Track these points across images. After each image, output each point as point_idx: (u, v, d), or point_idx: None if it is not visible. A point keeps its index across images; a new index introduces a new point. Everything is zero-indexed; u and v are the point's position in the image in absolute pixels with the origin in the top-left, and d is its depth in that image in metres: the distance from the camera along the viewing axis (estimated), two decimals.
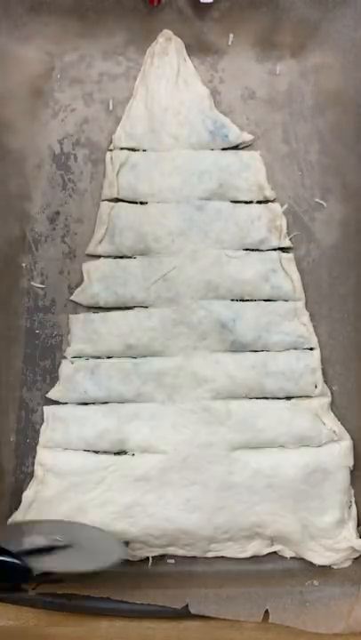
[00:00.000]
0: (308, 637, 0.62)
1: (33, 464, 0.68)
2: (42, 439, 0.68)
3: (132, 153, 0.72)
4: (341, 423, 0.69)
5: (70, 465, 0.66)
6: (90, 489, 0.66)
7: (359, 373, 0.71)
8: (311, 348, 0.70)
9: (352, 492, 0.67)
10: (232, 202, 0.71)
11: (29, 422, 0.70)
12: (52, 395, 0.69)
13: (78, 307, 0.71)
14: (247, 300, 0.70)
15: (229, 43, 0.74)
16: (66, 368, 0.69)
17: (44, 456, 0.67)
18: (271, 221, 0.71)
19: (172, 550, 0.67)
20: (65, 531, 0.61)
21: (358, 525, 0.67)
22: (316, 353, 0.70)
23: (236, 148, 0.73)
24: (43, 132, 0.73)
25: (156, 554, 0.67)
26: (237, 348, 0.69)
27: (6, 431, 0.70)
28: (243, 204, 0.71)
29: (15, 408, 0.70)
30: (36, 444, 0.69)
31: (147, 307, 0.69)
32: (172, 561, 0.68)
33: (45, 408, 0.69)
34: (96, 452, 0.67)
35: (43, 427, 0.68)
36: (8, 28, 0.71)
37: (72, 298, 0.71)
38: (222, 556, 0.67)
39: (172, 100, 0.72)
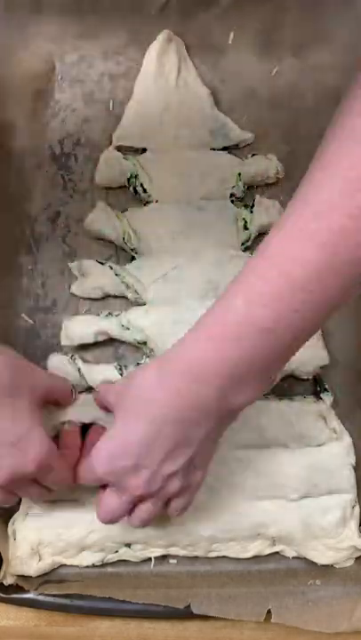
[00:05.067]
0: (308, 637, 0.62)
1: None
2: None
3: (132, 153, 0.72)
4: (342, 422, 0.68)
5: None
6: (91, 489, 0.66)
7: None
8: None
9: (355, 490, 0.67)
10: (233, 201, 0.71)
11: None
12: None
13: (79, 307, 0.71)
14: None
15: (230, 42, 0.74)
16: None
17: None
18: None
19: (174, 550, 0.67)
20: None
21: (360, 525, 0.67)
22: None
23: (236, 147, 0.73)
24: (43, 132, 0.73)
25: (158, 554, 0.67)
26: None
27: None
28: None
29: None
30: None
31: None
32: (175, 561, 0.67)
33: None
34: None
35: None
36: (8, 28, 0.71)
37: (72, 291, 0.71)
38: (224, 556, 0.67)
39: (173, 99, 0.72)
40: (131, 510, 0.58)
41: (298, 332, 0.48)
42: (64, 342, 0.68)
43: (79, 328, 0.68)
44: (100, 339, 0.68)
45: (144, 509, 0.57)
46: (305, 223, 0.46)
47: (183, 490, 0.57)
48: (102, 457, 0.55)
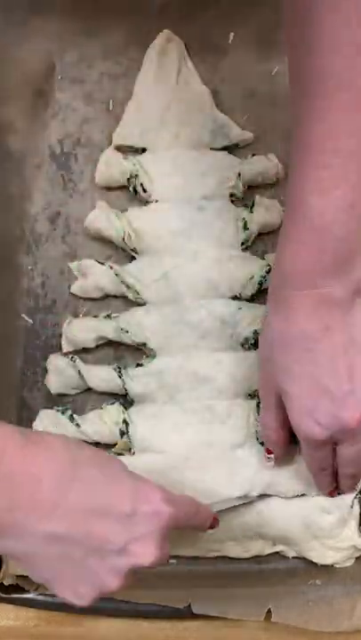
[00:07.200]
0: (308, 636, 0.62)
1: None
2: None
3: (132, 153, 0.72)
4: None
5: None
6: None
7: None
8: None
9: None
10: (233, 201, 0.71)
11: (30, 423, 0.69)
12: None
13: (79, 307, 0.71)
14: (248, 300, 0.69)
15: (230, 42, 0.74)
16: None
17: None
18: None
19: (173, 550, 0.67)
20: None
21: (360, 524, 0.67)
22: None
23: (236, 147, 0.73)
24: (43, 131, 0.73)
25: None
26: (238, 346, 0.68)
27: None
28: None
29: (16, 409, 0.70)
30: None
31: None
32: (175, 561, 0.67)
33: (41, 411, 0.68)
34: None
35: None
36: (8, 27, 0.71)
37: (72, 291, 0.71)
38: (224, 556, 0.67)
39: (173, 99, 0.72)
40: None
41: None
42: (65, 348, 0.69)
43: (80, 334, 0.68)
44: (101, 342, 0.69)
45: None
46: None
47: None
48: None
